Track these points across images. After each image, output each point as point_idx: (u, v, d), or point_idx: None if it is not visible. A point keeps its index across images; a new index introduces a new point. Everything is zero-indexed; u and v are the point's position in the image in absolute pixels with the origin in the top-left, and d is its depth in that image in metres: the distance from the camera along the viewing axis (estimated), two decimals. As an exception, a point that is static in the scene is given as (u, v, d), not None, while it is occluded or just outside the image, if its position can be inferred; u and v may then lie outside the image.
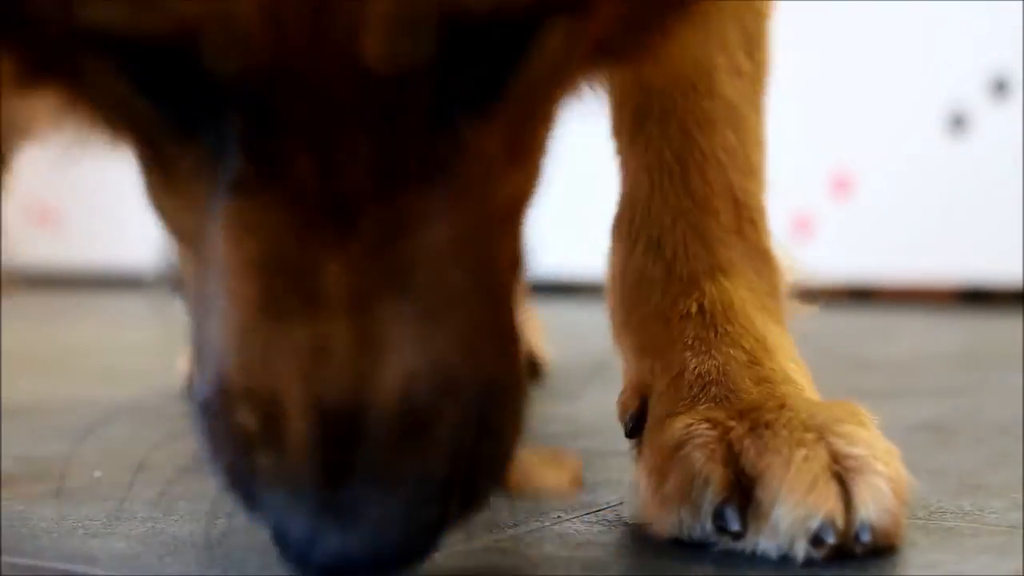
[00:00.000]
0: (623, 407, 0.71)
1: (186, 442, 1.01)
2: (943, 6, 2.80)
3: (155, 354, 1.88)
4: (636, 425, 0.69)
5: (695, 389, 0.67)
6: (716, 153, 0.74)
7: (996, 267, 2.78)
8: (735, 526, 0.59)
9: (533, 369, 1.37)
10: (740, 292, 0.72)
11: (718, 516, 0.60)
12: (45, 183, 3.71)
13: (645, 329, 0.72)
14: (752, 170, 0.75)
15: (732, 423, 0.63)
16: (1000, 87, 2.78)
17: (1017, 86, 2.76)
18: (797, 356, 0.71)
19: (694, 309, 0.70)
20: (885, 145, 2.89)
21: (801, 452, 0.59)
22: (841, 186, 2.94)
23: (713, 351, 0.68)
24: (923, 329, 2.11)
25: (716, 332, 0.69)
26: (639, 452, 0.68)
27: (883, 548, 0.59)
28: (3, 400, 1.14)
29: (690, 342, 0.69)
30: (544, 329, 1.43)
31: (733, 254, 0.73)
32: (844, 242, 2.95)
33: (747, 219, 0.74)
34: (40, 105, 0.58)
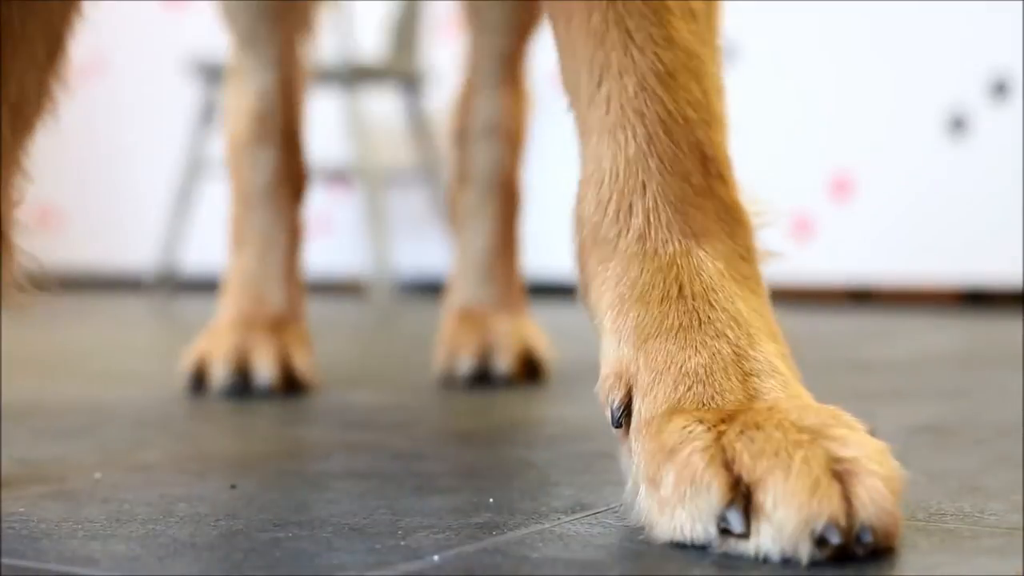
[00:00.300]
0: (606, 392, 0.70)
1: (186, 443, 1.01)
2: (943, 8, 2.80)
3: (155, 354, 1.88)
4: (622, 414, 0.69)
5: (681, 389, 0.66)
6: (681, 109, 0.71)
7: (996, 269, 2.78)
8: (740, 528, 0.59)
9: (535, 370, 1.37)
10: (717, 263, 0.70)
11: (722, 519, 0.60)
12: (45, 183, 3.70)
13: (623, 311, 0.70)
14: (716, 119, 0.73)
15: (724, 426, 0.62)
16: (1000, 89, 2.78)
17: (1017, 88, 2.76)
18: (777, 331, 0.71)
19: (675, 292, 0.69)
20: (885, 147, 2.89)
21: (799, 453, 0.59)
22: (841, 188, 2.94)
23: (698, 345, 0.67)
24: (923, 331, 2.11)
25: (699, 320, 0.68)
26: (630, 450, 0.67)
27: (883, 549, 0.59)
28: (3, 400, 1.14)
29: (673, 333, 0.68)
30: (545, 331, 1.43)
31: (706, 217, 0.71)
32: (844, 244, 2.96)
33: (716, 175, 0.72)
34: None
